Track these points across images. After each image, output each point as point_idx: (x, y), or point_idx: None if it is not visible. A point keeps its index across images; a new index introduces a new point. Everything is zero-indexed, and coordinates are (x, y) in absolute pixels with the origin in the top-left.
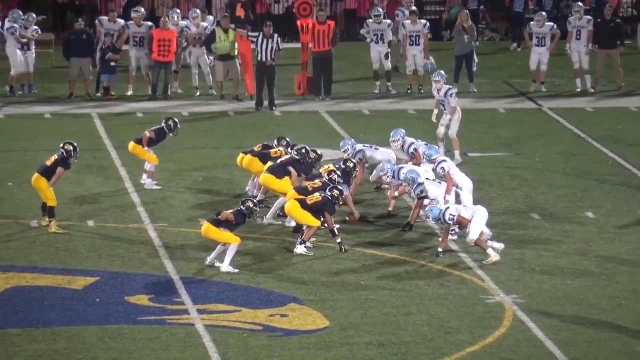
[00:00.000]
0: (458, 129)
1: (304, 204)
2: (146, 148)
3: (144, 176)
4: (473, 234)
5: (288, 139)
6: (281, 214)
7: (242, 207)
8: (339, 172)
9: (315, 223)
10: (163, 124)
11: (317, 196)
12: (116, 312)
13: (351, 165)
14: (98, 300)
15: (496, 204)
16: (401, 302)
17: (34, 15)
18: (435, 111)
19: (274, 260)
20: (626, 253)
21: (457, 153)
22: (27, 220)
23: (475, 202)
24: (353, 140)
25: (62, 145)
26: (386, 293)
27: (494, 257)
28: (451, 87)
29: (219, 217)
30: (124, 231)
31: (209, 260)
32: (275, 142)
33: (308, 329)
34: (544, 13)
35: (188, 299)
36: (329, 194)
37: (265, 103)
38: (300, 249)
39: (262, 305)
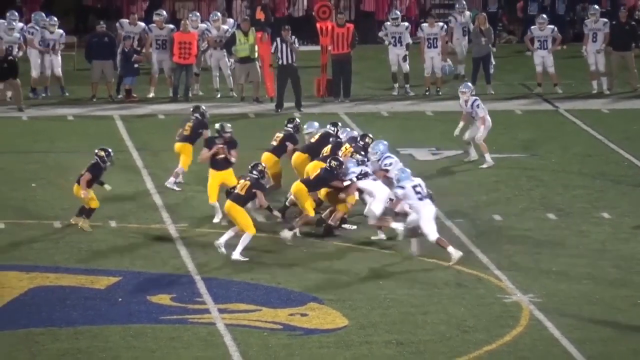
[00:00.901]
0: (486, 136)
1: (308, 182)
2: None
3: (173, 178)
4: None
5: (298, 120)
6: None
7: (254, 173)
8: (338, 159)
9: (311, 212)
10: (196, 115)
11: (317, 171)
12: (138, 312)
13: (369, 140)
14: (120, 299)
15: (513, 204)
16: (419, 301)
17: (55, 19)
18: (461, 124)
19: (294, 260)
20: None
21: (487, 156)
22: (50, 220)
23: (491, 204)
24: (317, 124)
25: (95, 151)
26: (404, 292)
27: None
28: (477, 98)
29: (244, 195)
30: (145, 231)
31: (217, 242)
32: (289, 126)
33: (327, 328)
34: (544, 16)
35: (209, 298)
36: (328, 165)
37: (287, 104)
38: (285, 233)
39: (282, 305)
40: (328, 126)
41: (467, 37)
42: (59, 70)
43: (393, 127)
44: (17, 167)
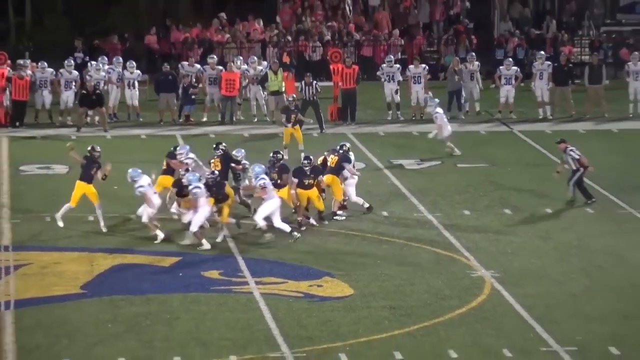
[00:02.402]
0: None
1: None
2: None
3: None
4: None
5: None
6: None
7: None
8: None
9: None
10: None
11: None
12: (194, 283)
13: (346, 148)
14: (181, 274)
15: (478, 202)
16: (408, 276)
17: (134, 62)
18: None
19: (313, 244)
20: (576, 239)
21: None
22: (127, 214)
23: (462, 202)
24: (188, 147)
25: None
26: (396, 269)
27: (206, 245)
28: (437, 112)
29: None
30: None
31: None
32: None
33: (338, 296)
34: (510, 59)
35: (248, 273)
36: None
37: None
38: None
39: (303, 278)
40: (216, 146)
41: (474, 81)
42: (136, 102)
43: (388, 144)
44: None
